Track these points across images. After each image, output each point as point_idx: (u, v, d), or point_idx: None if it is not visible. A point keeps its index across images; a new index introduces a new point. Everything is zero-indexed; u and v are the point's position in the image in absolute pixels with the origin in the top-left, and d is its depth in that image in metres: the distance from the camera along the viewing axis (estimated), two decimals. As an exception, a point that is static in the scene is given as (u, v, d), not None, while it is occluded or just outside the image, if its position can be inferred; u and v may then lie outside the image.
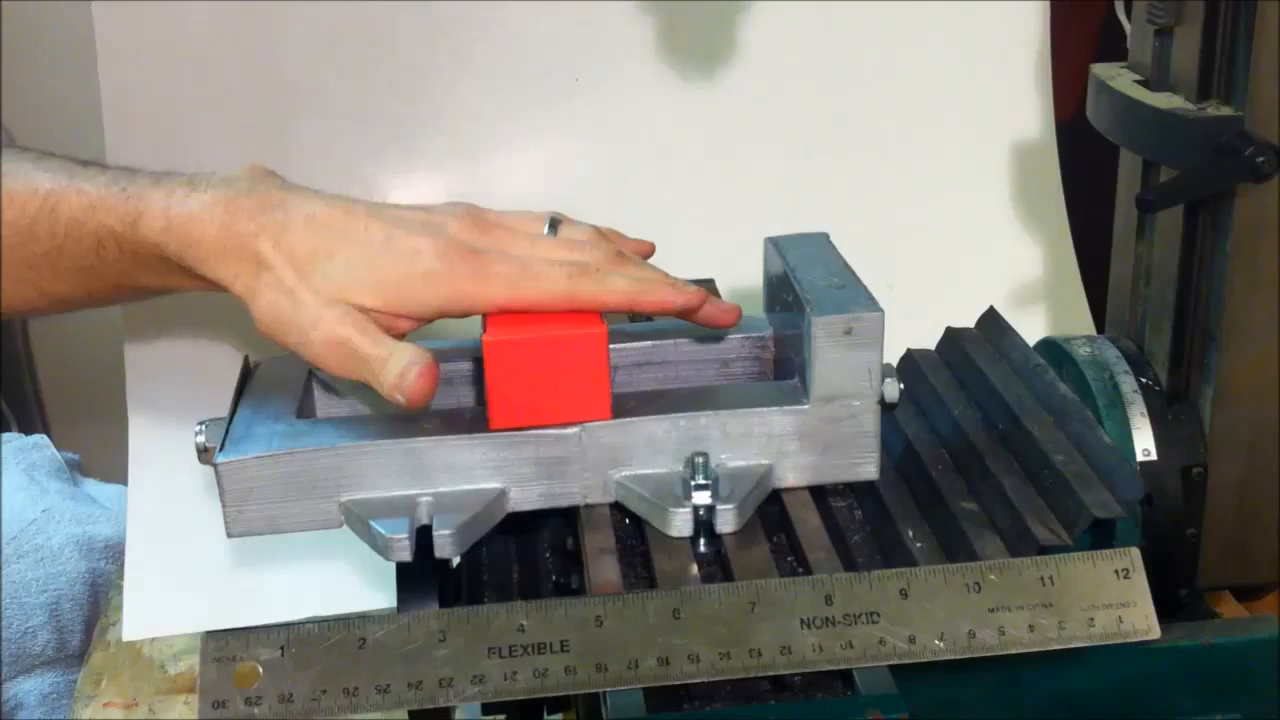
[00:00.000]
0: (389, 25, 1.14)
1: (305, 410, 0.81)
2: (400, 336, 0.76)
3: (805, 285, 0.78)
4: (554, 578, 0.78)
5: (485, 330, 0.74)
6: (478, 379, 0.83)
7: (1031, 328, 1.14)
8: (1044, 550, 0.73)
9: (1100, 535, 0.77)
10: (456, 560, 0.75)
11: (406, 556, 0.71)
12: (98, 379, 1.09)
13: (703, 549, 0.74)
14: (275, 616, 1.06)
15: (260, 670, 0.66)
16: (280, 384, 0.82)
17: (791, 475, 0.78)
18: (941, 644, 0.67)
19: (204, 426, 0.77)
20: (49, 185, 0.81)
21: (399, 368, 0.73)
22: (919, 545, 0.77)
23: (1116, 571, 0.70)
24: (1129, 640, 0.69)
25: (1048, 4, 1.22)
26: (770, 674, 0.66)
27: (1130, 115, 0.86)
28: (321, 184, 1.15)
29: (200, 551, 1.10)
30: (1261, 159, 0.78)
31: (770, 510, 0.78)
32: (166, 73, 1.12)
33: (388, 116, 1.15)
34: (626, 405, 0.77)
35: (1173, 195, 0.83)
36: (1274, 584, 0.91)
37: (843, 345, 0.75)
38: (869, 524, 0.80)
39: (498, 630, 0.66)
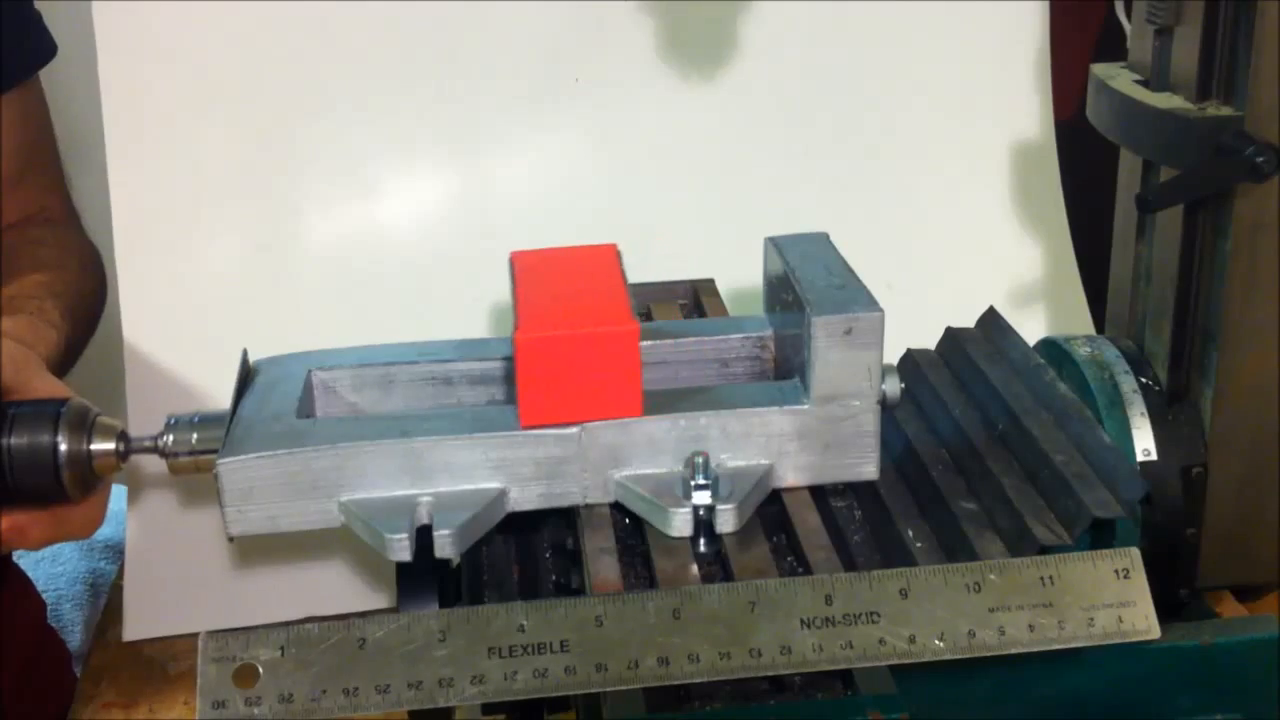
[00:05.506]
0: (389, 25, 1.14)
1: (305, 410, 0.81)
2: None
3: (805, 285, 0.78)
4: (554, 578, 0.78)
5: (517, 327, 0.74)
6: (477, 379, 0.83)
7: (1031, 328, 1.14)
8: (1044, 550, 0.73)
9: (1100, 535, 0.77)
10: (456, 560, 0.75)
11: (406, 556, 0.71)
12: (97, 379, 1.09)
13: (703, 549, 0.74)
14: (275, 616, 1.07)
15: (260, 670, 0.66)
16: (280, 384, 0.82)
17: (791, 475, 0.78)
18: (941, 644, 0.67)
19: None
20: None
21: None
22: (919, 545, 0.77)
23: (1116, 571, 0.70)
24: (1129, 640, 0.69)
25: (1048, 4, 1.22)
26: (770, 674, 0.66)
27: (1130, 115, 0.86)
28: (322, 184, 1.17)
29: (200, 551, 1.10)
30: (1261, 159, 0.78)
31: (770, 510, 0.78)
32: (166, 73, 1.12)
33: (387, 117, 1.15)
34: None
35: (1173, 195, 0.83)
36: (1274, 584, 0.91)
37: (843, 345, 0.75)
38: (869, 524, 0.80)
39: (498, 630, 0.66)
